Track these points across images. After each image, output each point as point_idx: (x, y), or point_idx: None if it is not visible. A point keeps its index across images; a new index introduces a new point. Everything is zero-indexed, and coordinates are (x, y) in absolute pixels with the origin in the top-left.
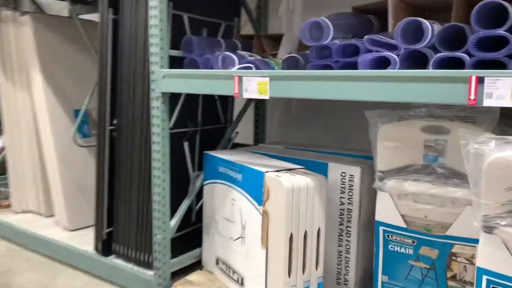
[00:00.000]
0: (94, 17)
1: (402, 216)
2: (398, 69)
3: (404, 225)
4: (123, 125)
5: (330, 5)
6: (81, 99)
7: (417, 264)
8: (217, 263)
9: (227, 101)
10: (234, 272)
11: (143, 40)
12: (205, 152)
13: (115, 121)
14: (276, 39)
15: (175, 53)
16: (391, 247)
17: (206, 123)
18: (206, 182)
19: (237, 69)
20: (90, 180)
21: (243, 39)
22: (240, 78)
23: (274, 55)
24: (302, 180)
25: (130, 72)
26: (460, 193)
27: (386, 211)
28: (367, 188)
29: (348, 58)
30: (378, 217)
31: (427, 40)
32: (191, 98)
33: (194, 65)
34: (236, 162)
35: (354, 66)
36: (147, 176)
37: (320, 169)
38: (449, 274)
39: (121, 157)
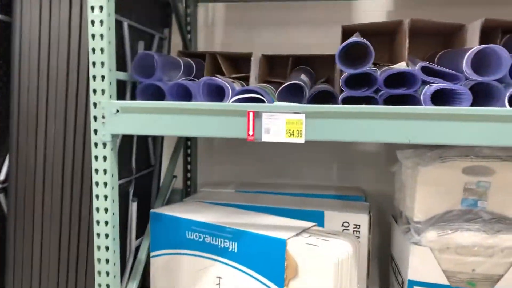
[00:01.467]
0: None
1: (444, 271)
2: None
3: (446, 283)
4: (21, 184)
5: (257, 22)
6: None
7: None
8: None
9: (157, 136)
10: None
11: (66, 54)
12: (153, 211)
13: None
14: (233, 60)
15: (122, 76)
16: None
17: (140, 169)
18: (157, 253)
19: (234, 101)
20: None
21: (188, 57)
22: (257, 114)
23: (236, 79)
24: (341, 247)
25: (30, 103)
26: (508, 241)
27: (425, 268)
28: (377, 238)
29: (394, 89)
30: (413, 275)
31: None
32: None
33: (151, 94)
34: (225, 225)
35: (400, 98)
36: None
37: (314, 219)
38: None
39: (16, 239)
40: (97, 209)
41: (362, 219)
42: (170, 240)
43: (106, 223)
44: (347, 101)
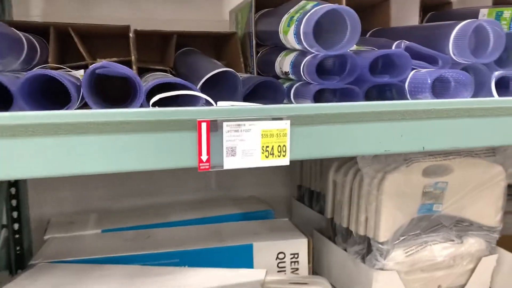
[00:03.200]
0: None
1: None
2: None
3: None
4: None
5: None
6: None
7: None
8: None
9: None
10: None
11: None
12: None
13: None
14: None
15: None
16: None
17: None
18: None
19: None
20: None
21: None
22: (213, 125)
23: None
24: None
25: None
26: (475, 244)
27: None
28: (321, 268)
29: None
30: None
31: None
32: None
33: None
34: None
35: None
36: None
37: (240, 256)
38: None
39: None
40: None
41: (300, 246)
42: None
43: None
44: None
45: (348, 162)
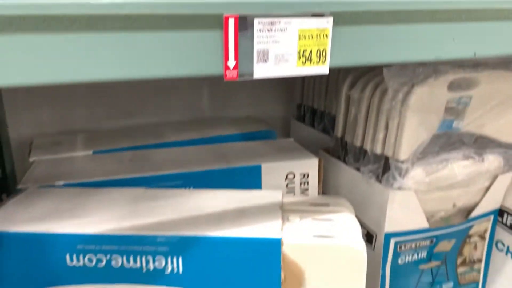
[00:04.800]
0: None
1: (425, 213)
2: None
3: (426, 226)
4: None
5: None
6: None
7: (429, 265)
8: None
9: None
10: None
11: None
12: None
13: None
14: None
15: None
16: (401, 260)
17: None
18: None
19: None
20: None
21: None
22: (242, 21)
23: None
24: (354, 226)
25: None
26: (495, 162)
27: (406, 215)
28: (328, 189)
29: None
30: (390, 227)
31: None
32: None
33: None
34: (152, 234)
35: None
36: None
37: (248, 177)
38: (459, 261)
39: None
40: None
41: (310, 166)
42: (26, 277)
43: None
44: None
45: (364, 76)
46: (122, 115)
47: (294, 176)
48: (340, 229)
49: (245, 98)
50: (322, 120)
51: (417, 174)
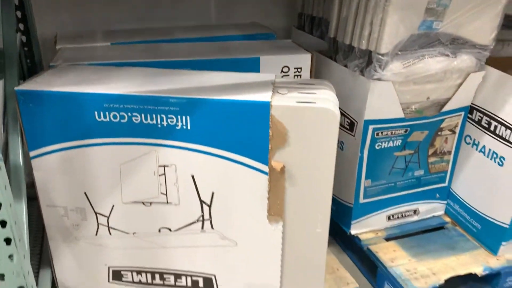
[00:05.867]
0: None
1: (401, 104)
2: None
3: (401, 115)
4: None
5: None
6: None
7: (403, 153)
8: (116, 277)
9: None
10: (179, 276)
11: None
12: (20, 89)
13: None
14: None
15: None
16: (378, 146)
17: None
18: (41, 151)
19: None
20: None
21: None
22: None
23: None
24: (332, 99)
25: None
26: (467, 61)
27: (383, 104)
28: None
29: None
30: (369, 115)
31: None
32: None
33: None
34: (166, 94)
35: None
36: None
37: (247, 67)
38: (431, 151)
39: None
40: None
41: (304, 60)
42: (65, 129)
43: None
44: None
45: None
46: (135, 20)
47: (288, 69)
48: (321, 99)
49: (250, 8)
50: (319, 27)
51: (395, 67)
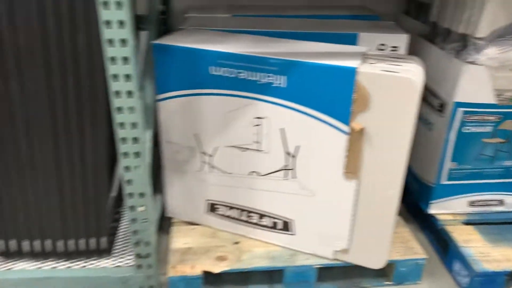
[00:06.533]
0: None
1: (494, 90)
2: None
3: (493, 101)
4: None
5: None
6: None
7: (492, 140)
8: (212, 209)
9: None
10: (262, 216)
11: None
12: (157, 42)
13: None
14: None
15: None
16: (467, 129)
17: None
18: (167, 95)
19: None
20: None
21: None
22: None
23: None
24: (418, 72)
25: None
26: None
27: (476, 88)
28: None
29: None
30: (459, 97)
31: None
32: None
33: None
34: (267, 56)
35: None
36: None
37: (345, 42)
38: None
39: None
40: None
41: (400, 40)
42: (185, 79)
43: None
44: None
45: None
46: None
47: (385, 48)
48: (405, 70)
49: None
50: (426, 13)
51: (491, 51)
